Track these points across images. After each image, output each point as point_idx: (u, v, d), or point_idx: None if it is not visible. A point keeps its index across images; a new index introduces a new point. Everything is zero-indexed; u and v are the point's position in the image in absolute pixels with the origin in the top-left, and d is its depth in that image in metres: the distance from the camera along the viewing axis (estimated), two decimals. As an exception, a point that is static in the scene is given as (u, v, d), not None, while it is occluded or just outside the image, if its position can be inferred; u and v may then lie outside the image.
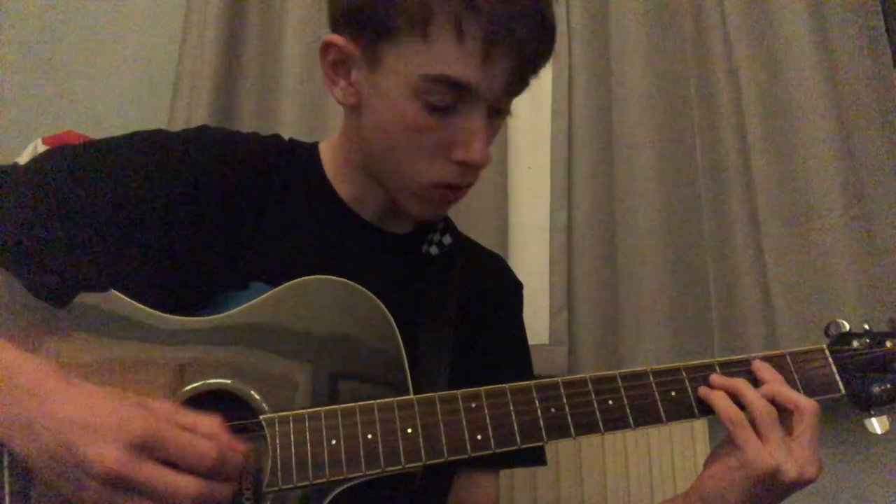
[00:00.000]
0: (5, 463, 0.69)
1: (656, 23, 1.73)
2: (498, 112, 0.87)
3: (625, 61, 1.71)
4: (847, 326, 0.93)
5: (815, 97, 1.54)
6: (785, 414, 0.82)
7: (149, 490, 0.63)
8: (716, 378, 0.85)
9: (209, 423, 0.68)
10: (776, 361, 0.87)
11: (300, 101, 1.69)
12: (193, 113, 1.61)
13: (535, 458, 1.02)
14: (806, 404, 0.81)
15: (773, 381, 0.84)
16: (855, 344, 0.91)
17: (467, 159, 0.84)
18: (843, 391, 0.88)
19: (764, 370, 0.86)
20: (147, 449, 0.63)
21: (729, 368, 0.86)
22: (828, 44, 1.59)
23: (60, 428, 0.63)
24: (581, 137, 1.72)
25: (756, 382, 0.85)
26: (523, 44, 0.79)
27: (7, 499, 0.69)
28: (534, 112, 1.75)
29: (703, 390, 0.84)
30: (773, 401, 0.82)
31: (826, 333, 0.94)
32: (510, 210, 1.71)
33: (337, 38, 0.85)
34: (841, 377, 0.88)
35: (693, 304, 1.62)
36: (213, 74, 1.64)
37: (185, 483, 0.64)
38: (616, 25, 1.74)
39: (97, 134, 0.91)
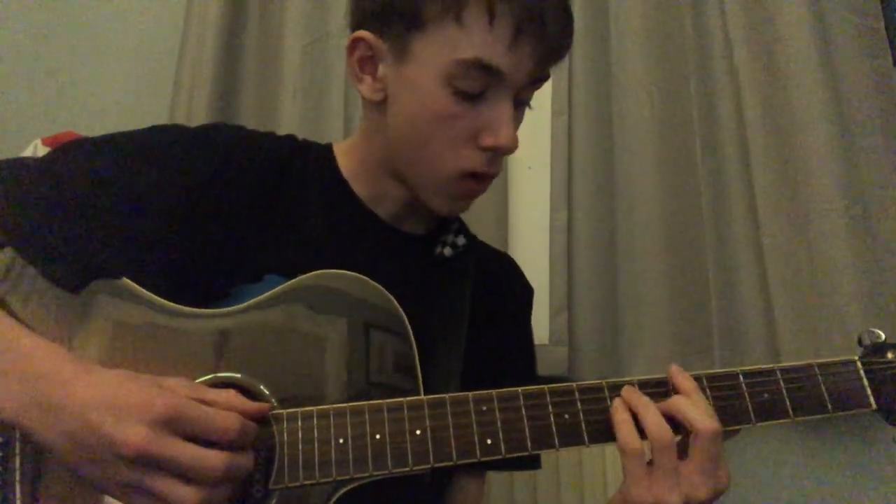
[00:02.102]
0: (17, 451, 0.70)
1: (656, 23, 1.73)
2: (520, 102, 0.88)
3: (625, 61, 1.72)
4: (882, 336, 0.86)
5: (815, 97, 1.54)
6: (684, 432, 0.77)
7: (176, 466, 0.63)
8: (625, 393, 0.79)
9: (226, 395, 0.70)
10: (803, 372, 0.82)
11: (300, 101, 1.69)
12: (193, 113, 1.61)
13: (530, 461, 1.01)
14: (701, 427, 0.74)
15: (682, 394, 0.78)
16: (889, 356, 0.85)
17: (496, 144, 0.84)
18: (875, 405, 0.82)
19: (678, 379, 0.80)
20: (171, 425, 0.64)
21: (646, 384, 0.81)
22: (828, 44, 1.59)
23: (83, 411, 0.63)
24: (581, 137, 1.72)
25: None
26: (548, 30, 0.81)
27: (17, 487, 0.69)
28: (534, 112, 1.73)
29: (613, 408, 0.78)
30: (672, 418, 0.76)
31: (860, 343, 0.87)
32: (510, 210, 1.71)
33: (365, 34, 0.86)
34: (872, 391, 0.82)
35: (693, 304, 1.62)
36: (213, 74, 1.64)
37: (213, 456, 0.65)
38: (616, 25, 1.74)
39: (97, 134, 0.91)
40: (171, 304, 0.80)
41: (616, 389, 0.80)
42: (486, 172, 0.88)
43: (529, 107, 0.91)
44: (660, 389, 0.80)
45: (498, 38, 0.80)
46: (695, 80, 1.69)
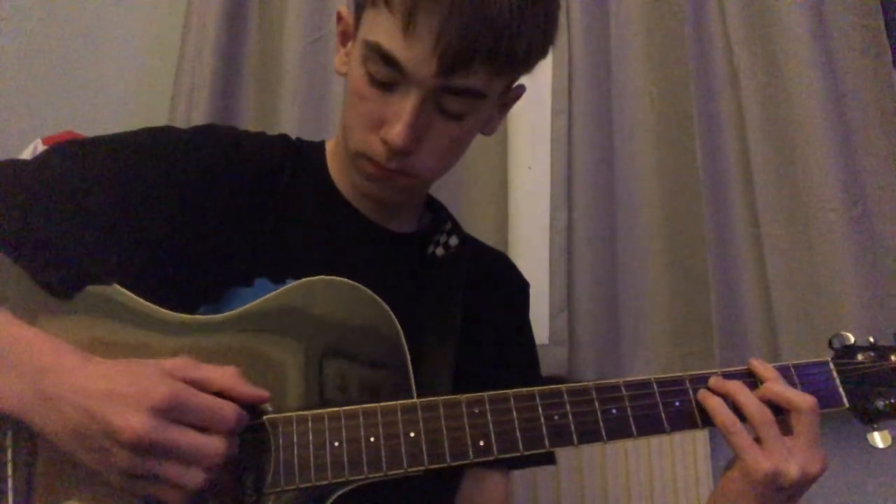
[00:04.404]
0: (9, 441, 0.70)
1: (656, 23, 1.72)
2: (443, 111, 0.82)
3: (625, 61, 1.71)
4: (852, 339, 0.92)
5: (815, 97, 1.55)
6: (784, 412, 0.81)
7: (176, 452, 0.64)
8: (712, 381, 0.84)
9: (222, 372, 0.71)
10: (780, 373, 0.85)
11: (300, 101, 1.69)
12: (193, 113, 1.61)
13: (545, 457, 1.02)
14: (801, 402, 0.80)
15: (770, 380, 0.83)
16: (860, 357, 0.90)
17: (385, 137, 0.82)
18: (847, 404, 0.87)
19: (760, 368, 0.85)
20: (170, 413, 0.65)
21: (729, 375, 0.85)
22: (828, 44, 1.59)
23: (83, 400, 0.64)
24: (581, 137, 1.71)
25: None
26: (446, 24, 0.74)
27: (10, 478, 0.69)
28: (534, 112, 1.75)
29: (701, 394, 0.83)
30: (769, 401, 0.81)
31: (830, 346, 0.92)
32: (510, 210, 1.71)
33: (343, 9, 0.90)
34: (844, 390, 0.87)
35: (693, 305, 1.62)
36: (213, 75, 1.64)
37: (212, 443, 0.66)
38: (616, 25, 1.74)
39: (97, 134, 0.91)
40: (163, 310, 0.79)
41: (603, 392, 0.82)
42: (381, 162, 0.85)
43: (459, 119, 0.84)
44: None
45: (394, 24, 0.77)
46: (695, 80, 1.69)
